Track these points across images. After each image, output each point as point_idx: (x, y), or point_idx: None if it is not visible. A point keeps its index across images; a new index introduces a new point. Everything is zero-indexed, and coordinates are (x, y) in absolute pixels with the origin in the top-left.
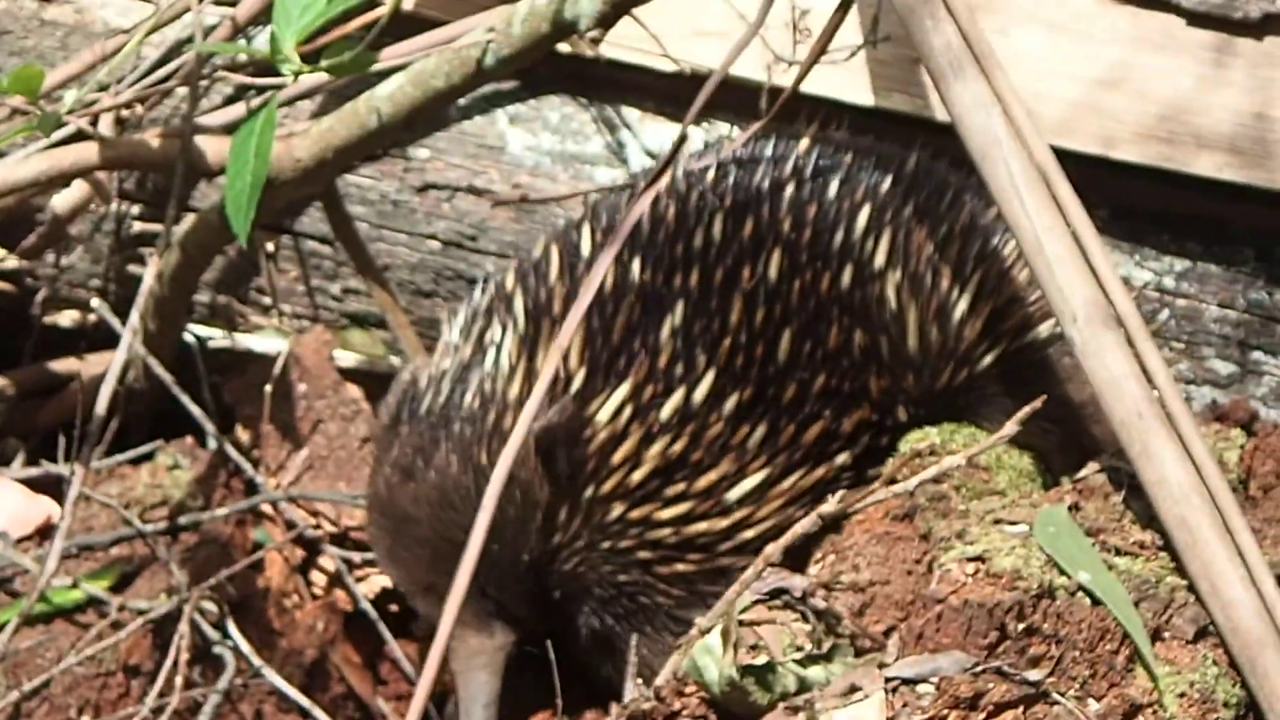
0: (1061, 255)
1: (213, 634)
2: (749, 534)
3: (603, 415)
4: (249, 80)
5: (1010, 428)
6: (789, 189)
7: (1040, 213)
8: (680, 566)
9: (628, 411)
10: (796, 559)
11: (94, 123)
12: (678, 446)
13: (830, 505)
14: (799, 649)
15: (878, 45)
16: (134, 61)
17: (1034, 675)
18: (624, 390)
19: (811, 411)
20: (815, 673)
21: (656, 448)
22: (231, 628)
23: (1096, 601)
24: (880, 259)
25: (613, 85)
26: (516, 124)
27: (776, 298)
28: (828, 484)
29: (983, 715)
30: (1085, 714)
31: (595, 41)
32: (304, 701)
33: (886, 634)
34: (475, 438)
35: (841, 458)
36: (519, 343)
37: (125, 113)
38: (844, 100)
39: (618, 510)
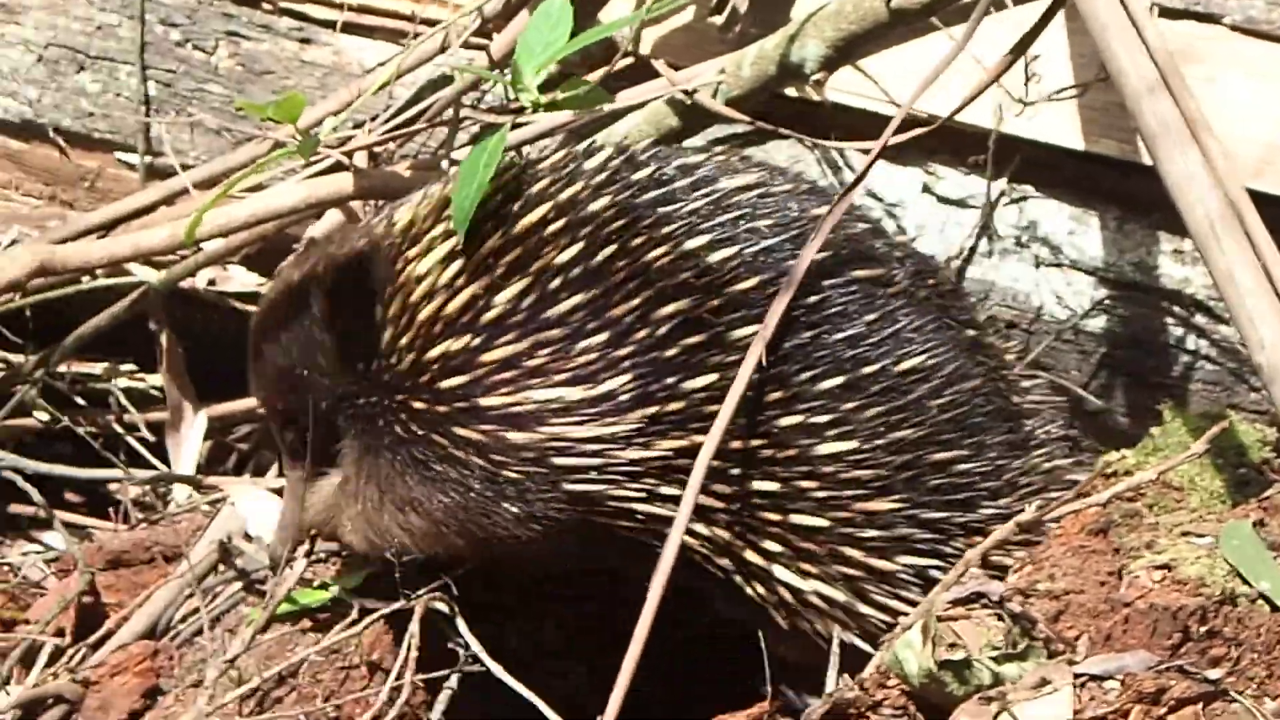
0: (1251, 287)
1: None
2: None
3: (421, 268)
4: (494, 119)
5: (1200, 446)
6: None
7: (1234, 247)
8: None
9: (450, 273)
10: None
11: (349, 156)
12: (510, 349)
13: (1027, 515)
14: (995, 648)
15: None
16: (387, 100)
17: (1214, 674)
18: (447, 247)
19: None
20: (1009, 669)
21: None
22: (461, 625)
23: (1275, 609)
24: None
25: (837, 128)
26: None
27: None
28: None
29: (1164, 710)
30: (1261, 711)
31: (819, 85)
32: (529, 695)
33: (1078, 639)
34: (308, 261)
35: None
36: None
37: (377, 149)
38: (1056, 144)
39: (409, 359)
